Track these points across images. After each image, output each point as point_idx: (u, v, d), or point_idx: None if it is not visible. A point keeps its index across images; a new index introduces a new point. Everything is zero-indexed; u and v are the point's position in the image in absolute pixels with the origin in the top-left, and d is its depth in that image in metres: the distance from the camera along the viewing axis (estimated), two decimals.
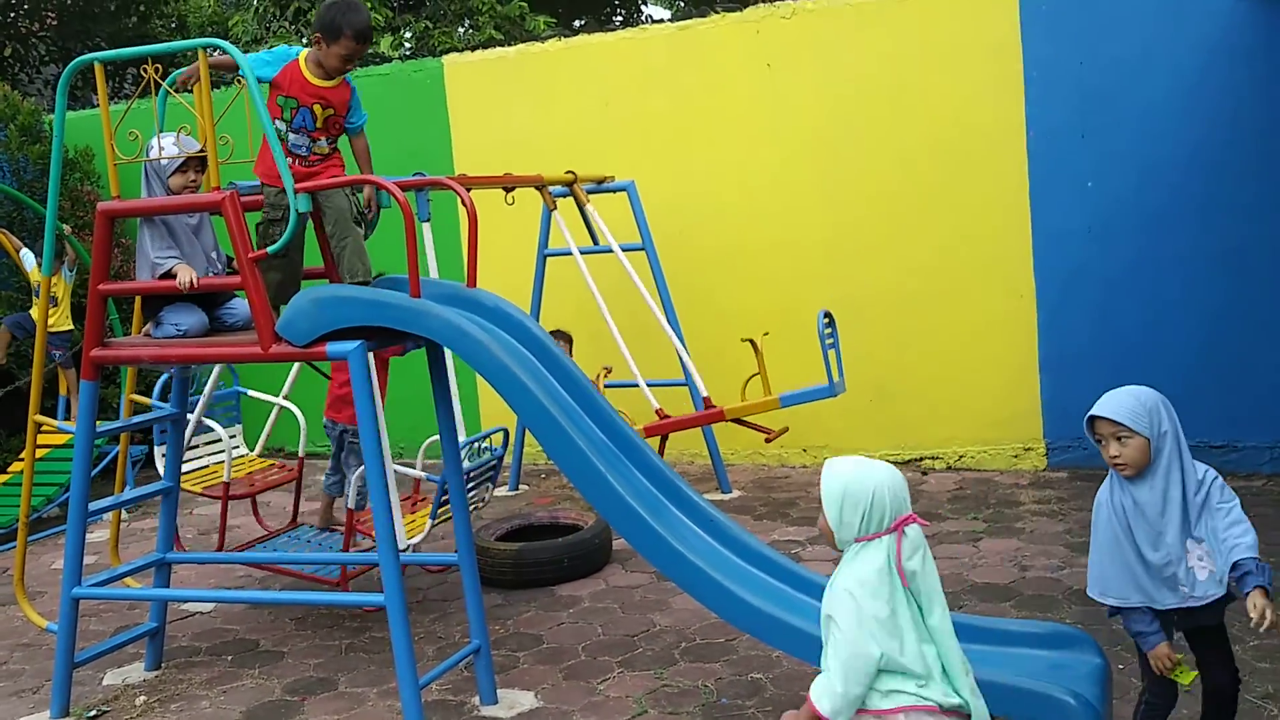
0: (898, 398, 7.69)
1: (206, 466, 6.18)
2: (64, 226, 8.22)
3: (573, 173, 7.16)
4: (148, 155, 4.62)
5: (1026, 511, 6.60)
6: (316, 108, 4.38)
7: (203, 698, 4.94)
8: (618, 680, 4.78)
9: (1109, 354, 7.15)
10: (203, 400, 5.68)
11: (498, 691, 4.66)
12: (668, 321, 7.35)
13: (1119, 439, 3.32)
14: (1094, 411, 3.38)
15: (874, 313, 7.66)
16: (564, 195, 7.25)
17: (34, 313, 8.40)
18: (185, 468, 5.83)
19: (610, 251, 7.52)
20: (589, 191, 7.36)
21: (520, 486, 8.06)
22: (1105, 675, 3.67)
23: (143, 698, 4.97)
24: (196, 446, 6.08)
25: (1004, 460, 7.51)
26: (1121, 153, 7.01)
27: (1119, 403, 3.34)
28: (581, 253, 7.34)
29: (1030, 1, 7.08)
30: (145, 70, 4.64)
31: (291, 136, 4.38)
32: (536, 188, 7.08)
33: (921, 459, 7.71)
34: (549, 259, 7.60)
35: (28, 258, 8.36)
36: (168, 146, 4.61)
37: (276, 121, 4.31)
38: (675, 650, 5.04)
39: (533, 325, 4.64)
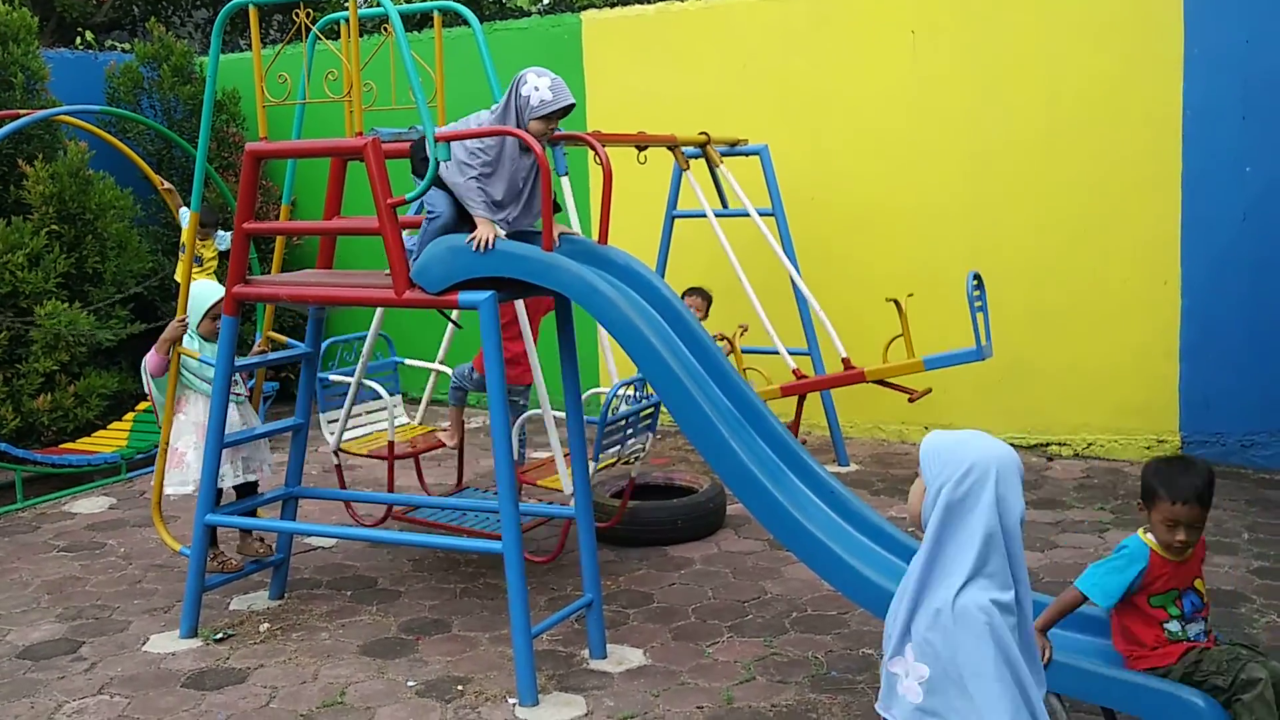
0: (1027, 379, 7.48)
1: (370, 434, 6.06)
2: (208, 167, 8.46)
3: (706, 134, 7.10)
4: (519, 89, 4.31)
5: None
6: (1196, 584, 3.49)
7: (322, 629, 5.09)
8: (726, 645, 4.78)
9: (1255, 347, 6.84)
10: (359, 367, 5.68)
11: (607, 646, 4.70)
12: (795, 287, 7.27)
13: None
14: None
15: (1009, 291, 7.44)
16: (696, 156, 7.20)
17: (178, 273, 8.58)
18: (348, 435, 5.81)
19: (739, 215, 7.47)
20: (722, 154, 7.29)
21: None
22: None
23: (266, 625, 5.14)
24: (359, 415, 6.00)
25: (1135, 451, 7.25)
26: None
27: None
28: (706, 215, 7.32)
29: None
30: (297, 15, 4.73)
31: (1190, 628, 3.48)
32: (669, 147, 7.05)
33: (1048, 444, 7.50)
34: (676, 220, 7.56)
35: (186, 216, 8.58)
36: (543, 89, 4.30)
37: (1169, 624, 3.47)
38: (786, 619, 5.01)
39: (662, 285, 4.62)
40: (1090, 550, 5.69)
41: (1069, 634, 3.85)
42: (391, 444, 5.83)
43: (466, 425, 6.47)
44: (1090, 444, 7.38)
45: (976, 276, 6.07)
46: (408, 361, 6.37)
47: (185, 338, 5.34)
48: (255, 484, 5.49)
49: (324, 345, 5.68)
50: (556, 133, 4.76)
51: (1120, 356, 7.21)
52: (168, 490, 5.37)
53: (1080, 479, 6.94)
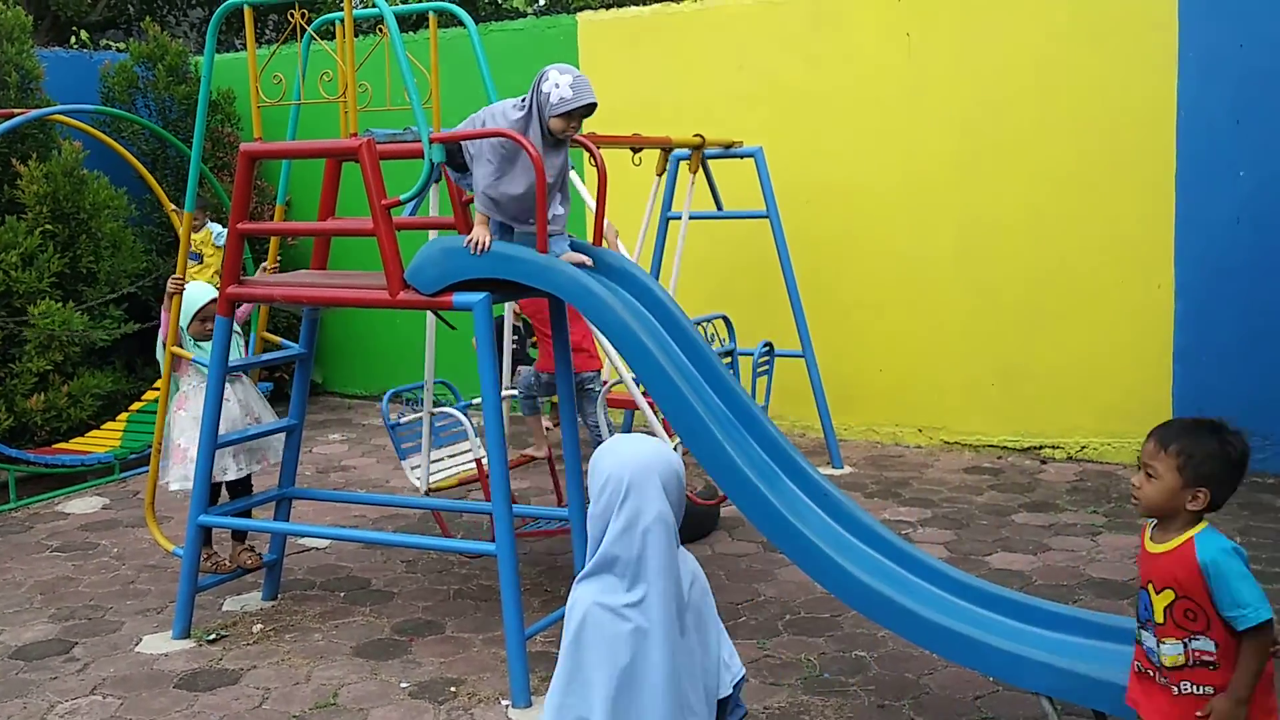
0: (1022, 382, 7.49)
1: (455, 474, 5.93)
2: (202, 167, 8.45)
3: (700, 136, 7.10)
4: (540, 85, 4.20)
5: None
6: (1150, 588, 2.85)
7: (315, 630, 5.08)
8: None
9: (1250, 351, 6.85)
10: (426, 415, 5.65)
11: None
12: (790, 290, 7.29)
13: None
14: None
15: (1005, 293, 7.46)
16: (685, 159, 7.20)
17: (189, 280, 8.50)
18: (435, 476, 5.75)
19: (729, 216, 7.49)
20: (716, 156, 7.31)
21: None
22: None
23: (259, 626, 5.14)
24: (440, 459, 5.92)
25: (1129, 455, 7.26)
26: (1279, 141, 6.67)
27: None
28: (702, 217, 7.33)
29: None
30: (292, 15, 4.73)
31: (1145, 636, 2.91)
32: (663, 149, 7.05)
33: (1041, 447, 7.51)
34: (671, 222, 7.56)
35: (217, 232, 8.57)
36: (563, 86, 4.20)
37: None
38: (779, 622, 5.01)
39: (656, 287, 4.62)
40: (1083, 554, 5.70)
41: (1062, 637, 3.86)
42: (480, 462, 5.59)
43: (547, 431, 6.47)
44: (1083, 447, 7.39)
45: (768, 345, 6.28)
46: (476, 402, 6.18)
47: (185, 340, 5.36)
48: (249, 481, 5.49)
49: (385, 396, 5.76)
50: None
51: (1113, 359, 7.22)
52: (174, 486, 5.31)
53: (1073, 482, 6.95)
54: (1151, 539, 2.89)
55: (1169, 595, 2.79)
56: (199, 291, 5.39)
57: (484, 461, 5.47)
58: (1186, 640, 2.78)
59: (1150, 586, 2.85)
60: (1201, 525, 2.80)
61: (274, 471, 5.50)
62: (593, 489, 2.51)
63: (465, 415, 5.56)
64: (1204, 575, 2.72)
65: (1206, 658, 2.75)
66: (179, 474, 5.30)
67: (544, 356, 6.15)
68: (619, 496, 2.46)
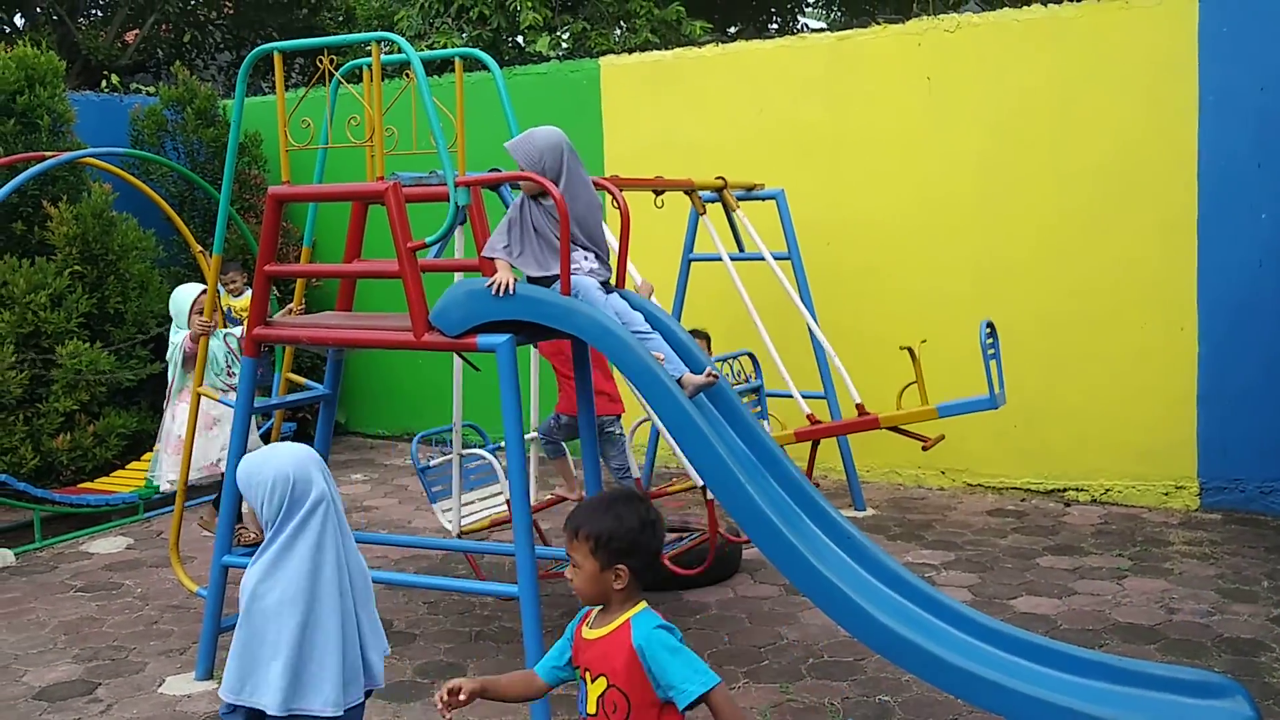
0: (1045, 424, 7.46)
1: (486, 517, 5.96)
2: (230, 209, 8.54)
3: (723, 178, 7.14)
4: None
5: (1175, 552, 6.33)
6: (586, 676, 2.75)
7: None
8: (742, 691, 4.75)
9: (1273, 393, 6.81)
10: (456, 458, 5.67)
11: None
12: (811, 330, 7.28)
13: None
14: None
15: (1025, 336, 7.45)
16: (713, 201, 7.24)
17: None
18: (467, 519, 5.78)
19: (755, 258, 7.49)
20: (738, 198, 7.34)
21: (652, 489, 8.07)
22: None
23: None
24: (471, 502, 5.94)
25: (1153, 497, 7.21)
26: None
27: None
28: (705, 259, 7.35)
29: (1210, 22, 6.78)
30: (321, 61, 4.81)
31: None
32: (686, 192, 7.09)
33: (1065, 490, 7.46)
34: (693, 264, 7.60)
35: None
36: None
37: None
38: (802, 665, 4.98)
39: (677, 328, 4.65)
40: (1108, 598, 5.65)
41: (1088, 682, 3.82)
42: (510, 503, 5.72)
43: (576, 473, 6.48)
44: (1108, 490, 7.34)
45: (989, 325, 6.10)
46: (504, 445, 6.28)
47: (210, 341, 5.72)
48: None
49: (415, 440, 5.83)
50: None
51: (1138, 402, 7.19)
52: (171, 476, 5.60)
53: (1098, 525, 6.90)
54: (590, 625, 2.77)
55: (602, 684, 2.67)
56: (185, 290, 5.85)
57: None
58: None
59: (586, 674, 2.72)
60: (639, 606, 2.70)
61: None
62: (259, 497, 2.96)
63: (495, 457, 5.58)
64: (640, 658, 2.61)
65: None
66: (174, 466, 5.80)
67: (565, 399, 6.17)
68: (288, 488, 2.94)
